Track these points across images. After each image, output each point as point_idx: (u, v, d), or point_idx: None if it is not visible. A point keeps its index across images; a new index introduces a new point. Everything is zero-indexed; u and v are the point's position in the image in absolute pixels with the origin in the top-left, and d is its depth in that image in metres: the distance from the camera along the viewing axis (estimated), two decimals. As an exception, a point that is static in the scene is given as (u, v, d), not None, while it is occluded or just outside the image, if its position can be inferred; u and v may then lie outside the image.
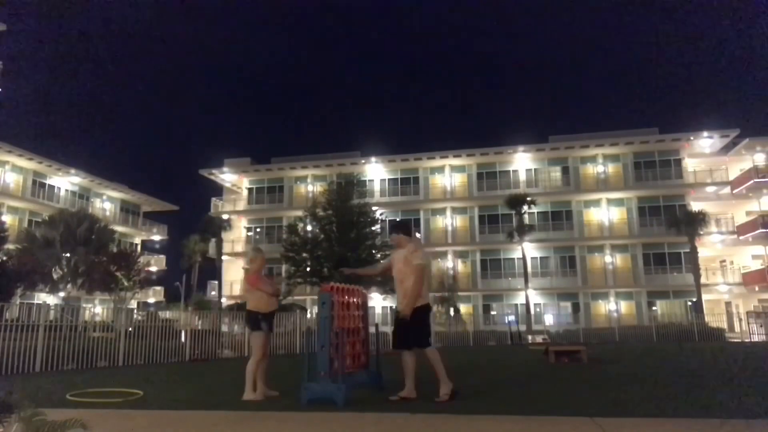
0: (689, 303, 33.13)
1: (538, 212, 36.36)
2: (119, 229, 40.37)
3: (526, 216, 33.69)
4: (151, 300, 43.78)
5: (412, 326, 5.33)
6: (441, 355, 5.35)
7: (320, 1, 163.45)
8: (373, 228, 29.52)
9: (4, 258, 25.77)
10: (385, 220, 38.17)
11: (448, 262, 37.98)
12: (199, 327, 15.38)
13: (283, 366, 10.29)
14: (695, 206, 33.55)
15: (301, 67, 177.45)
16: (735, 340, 24.16)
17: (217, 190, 44.09)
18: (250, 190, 42.60)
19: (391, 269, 5.69)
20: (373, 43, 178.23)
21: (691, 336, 23.57)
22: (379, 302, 36.78)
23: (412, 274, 5.36)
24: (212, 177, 42.46)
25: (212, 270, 39.07)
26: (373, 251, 28.77)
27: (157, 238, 47.58)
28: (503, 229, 35.36)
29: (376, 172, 40.32)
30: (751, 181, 34.50)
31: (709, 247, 35.46)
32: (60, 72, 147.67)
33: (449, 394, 5.18)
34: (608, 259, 36.39)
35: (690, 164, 36.85)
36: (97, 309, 33.75)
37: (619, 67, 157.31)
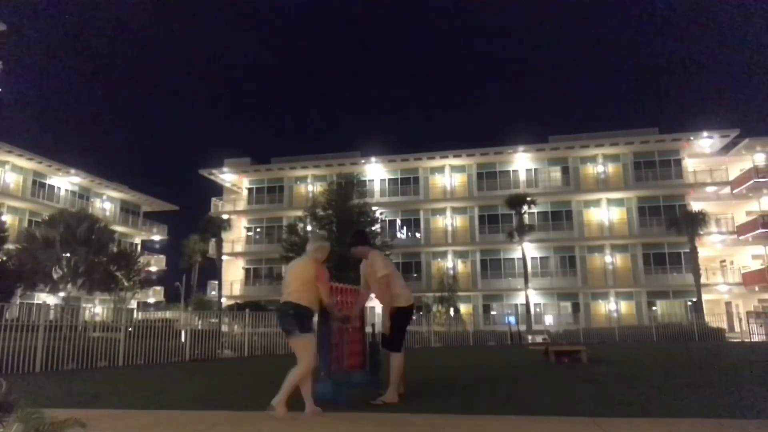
0: (689, 303, 33.14)
1: (538, 212, 36.36)
2: (119, 229, 40.35)
3: (526, 216, 33.69)
4: (151, 300, 43.80)
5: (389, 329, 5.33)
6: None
7: (321, 2, 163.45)
8: (373, 228, 29.56)
9: (4, 258, 25.79)
10: (385, 220, 38.22)
11: (448, 262, 37.98)
12: (199, 327, 15.40)
13: (283, 366, 10.28)
14: (695, 206, 33.55)
15: (301, 67, 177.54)
16: (735, 340, 24.16)
17: (217, 190, 44.11)
18: (250, 190, 42.61)
19: (369, 284, 5.59)
20: (373, 43, 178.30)
21: (691, 336, 23.58)
22: (379, 302, 36.76)
23: (379, 287, 5.34)
24: (212, 177, 42.47)
25: (212, 270, 39.12)
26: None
27: (157, 238, 47.58)
28: (503, 229, 35.36)
29: (376, 172, 40.31)
30: (751, 181, 34.49)
31: (709, 247, 35.46)
32: (60, 72, 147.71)
33: (385, 402, 5.02)
34: (608, 259, 36.39)
35: (690, 164, 36.85)
36: (97, 309, 33.75)
37: (619, 67, 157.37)
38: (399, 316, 5.36)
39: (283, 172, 41.57)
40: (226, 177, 42.50)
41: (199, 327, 15.44)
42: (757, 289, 33.67)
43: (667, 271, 35.31)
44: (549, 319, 35.51)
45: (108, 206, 43.02)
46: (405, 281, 5.63)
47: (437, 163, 39.59)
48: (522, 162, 38.71)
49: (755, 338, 24.45)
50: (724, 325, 27.26)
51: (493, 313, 37.00)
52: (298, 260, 5.15)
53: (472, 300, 36.79)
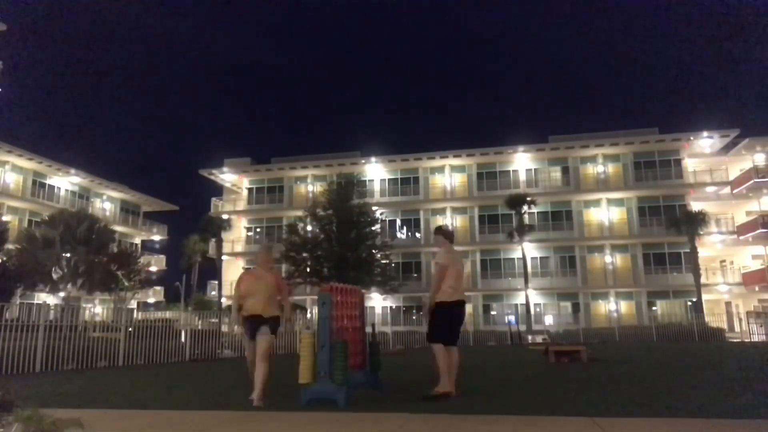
0: (689, 303, 33.12)
1: (538, 212, 36.34)
2: (119, 229, 40.35)
3: (526, 216, 33.67)
4: (151, 300, 43.78)
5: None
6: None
7: (321, 2, 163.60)
8: (373, 228, 29.51)
9: (4, 258, 25.78)
10: (385, 220, 38.20)
11: (448, 262, 37.85)
12: (199, 327, 15.40)
13: (283, 366, 10.29)
14: (695, 206, 33.54)
15: (301, 67, 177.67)
16: (735, 340, 24.15)
17: (217, 190, 44.09)
18: (250, 190, 42.59)
19: None
20: (374, 44, 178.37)
21: (691, 336, 23.57)
22: (379, 302, 36.78)
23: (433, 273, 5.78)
24: (212, 177, 42.46)
25: (212, 270, 39.12)
26: (373, 251, 28.78)
27: (157, 238, 47.56)
28: (503, 229, 35.34)
29: (376, 172, 40.30)
30: (751, 181, 34.47)
31: (709, 247, 35.44)
32: (60, 72, 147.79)
33: (439, 393, 5.29)
34: (608, 259, 36.37)
35: (690, 164, 36.83)
36: (97, 309, 33.75)
37: (619, 67, 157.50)
38: (438, 311, 5.58)
39: (283, 172, 41.55)
40: (226, 177, 42.48)
41: (199, 327, 15.44)
42: (757, 289, 33.65)
43: (667, 271, 35.29)
44: (549, 319, 35.49)
45: (108, 206, 43.01)
46: (456, 282, 5.67)
47: (437, 163, 39.57)
48: (522, 162, 38.69)
49: (755, 338, 24.46)
50: (724, 325, 27.27)
51: (493, 313, 36.99)
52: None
53: (472, 300, 36.75)
